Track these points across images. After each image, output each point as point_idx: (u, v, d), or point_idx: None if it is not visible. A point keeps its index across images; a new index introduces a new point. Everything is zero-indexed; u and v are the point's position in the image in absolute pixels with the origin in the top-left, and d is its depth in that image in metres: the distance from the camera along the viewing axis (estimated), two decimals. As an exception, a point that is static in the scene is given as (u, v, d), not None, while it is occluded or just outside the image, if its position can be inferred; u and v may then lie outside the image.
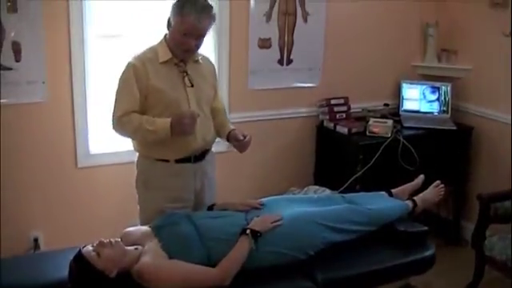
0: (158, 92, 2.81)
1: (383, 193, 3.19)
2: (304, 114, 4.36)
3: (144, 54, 2.87)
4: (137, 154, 3.03)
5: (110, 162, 3.77)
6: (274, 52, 4.14)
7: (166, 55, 2.84)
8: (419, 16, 4.61)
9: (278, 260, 2.57)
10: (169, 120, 2.76)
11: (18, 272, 2.53)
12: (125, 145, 3.75)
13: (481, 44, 4.41)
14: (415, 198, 3.14)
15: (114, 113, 2.85)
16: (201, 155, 2.98)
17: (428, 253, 2.89)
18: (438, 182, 3.24)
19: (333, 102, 4.33)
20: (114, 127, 2.87)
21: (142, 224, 2.91)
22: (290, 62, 4.21)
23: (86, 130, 3.66)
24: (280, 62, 4.18)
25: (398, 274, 2.87)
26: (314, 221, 2.71)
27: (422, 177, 3.29)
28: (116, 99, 2.85)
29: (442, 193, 3.22)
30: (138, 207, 3.03)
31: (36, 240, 3.67)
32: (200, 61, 2.98)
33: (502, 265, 3.57)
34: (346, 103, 4.38)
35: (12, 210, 3.52)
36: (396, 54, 4.60)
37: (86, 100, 3.62)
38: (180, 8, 2.73)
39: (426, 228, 2.98)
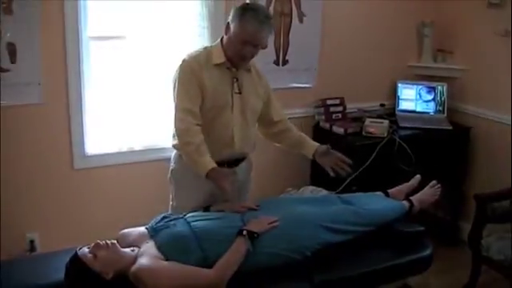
0: (208, 92, 2.83)
1: (380, 193, 3.19)
2: (300, 115, 4.35)
3: (199, 53, 2.90)
4: (175, 151, 3.06)
5: (107, 164, 3.76)
6: (270, 53, 4.13)
7: (220, 58, 2.85)
8: (415, 16, 4.61)
9: (274, 261, 2.56)
10: (210, 166, 2.75)
11: (14, 274, 2.52)
12: (121, 146, 3.78)
13: (477, 44, 4.42)
14: (412, 198, 3.13)
15: (177, 109, 2.85)
16: (235, 162, 3.01)
17: (425, 253, 2.89)
18: (434, 182, 3.23)
19: (329, 102, 4.34)
20: (176, 123, 2.87)
21: None
22: (285, 62, 4.21)
23: (82, 132, 3.65)
24: (276, 62, 4.18)
25: (395, 274, 2.87)
26: (311, 222, 2.70)
27: (418, 177, 3.29)
28: (177, 96, 2.85)
29: (439, 193, 3.21)
30: (170, 203, 3.11)
31: (32, 242, 3.66)
32: (252, 70, 2.99)
33: (499, 265, 3.58)
34: (342, 103, 4.39)
35: (8, 212, 3.51)
36: (392, 54, 4.61)
37: (82, 101, 3.62)
38: (241, 15, 2.75)
39: (422, 228, 2.97)
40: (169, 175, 3.12)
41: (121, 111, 3.76)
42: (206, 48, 2.95)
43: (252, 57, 2.89)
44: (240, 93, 2.92)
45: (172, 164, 3.10)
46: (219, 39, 2.93)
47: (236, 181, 2.98)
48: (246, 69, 2.96)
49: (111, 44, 3.68)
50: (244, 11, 2.76)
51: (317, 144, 3.17)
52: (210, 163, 2.77)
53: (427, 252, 2.89)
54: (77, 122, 3.63)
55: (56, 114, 3.58)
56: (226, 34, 2.86)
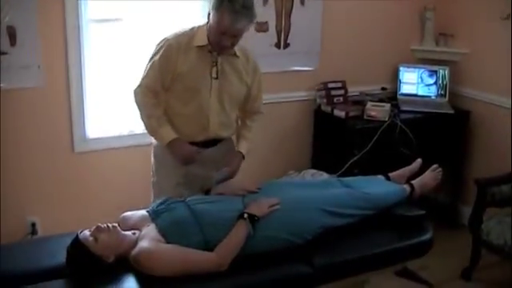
0: (182, 75, 2.84)
1: (381, 177, 3.18)
2: (301, 98, 4.35)
3: (183, 34, 2.89)
4: None
5: (108, 147, 3.76)
6: (271, 36, 4.12)
7: (202, 41, 2.84)
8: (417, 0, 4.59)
9: (275, 245, 2.56)
10: (173, 136, 2.90)
11: (16, 257, 2.53)
12: (122, 129, 3.77)
13: (478, 27, 4.40)
14: (413, 182, 3.13)
15: (141, 81, 2.92)
16: (212, 142, 3.01)
17: (425, 237, 2.89)
18: (435, 165, 3.22)
19: (330, 85, 4.32)
20: (134, 95, 2.96)
21: (154, 196, 3.04)
22: (287, 45, 4.19)
23: (83, 115, 3.65)
24: (277, 45, 4.16)
25: (395, 257, 2.87)
26: (313, 205, 2.70)
27: (419, 161, 3.28)
28: (145, 71, 2.92)
29: (440, 177, 3.20)
30: (151, 179, 3.16)
31: (34, 225, 3.67)
32: (238, 54, 2.94)
33: (498, 248, 3.58)
34: (344, 87, 4.37)
35: (9, 196, 3.51)
36: (394, 37, 4.58)
37: (82, 84, 3.60)
38: (218, 6, 2.70)
39: (423, 212, 2.97)
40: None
41: (121, 94, 3.75)
42: (192, 29, 2.91)
43: (233, 45, 2.84)
44: (217, 78, 2.89)
45: (154, 140, 3.11)
46: (206, 21, 2.86)
47: (197, 154, 2.97)
48: (230, 53, 2.91)
49: (112, 26, 3.66)
50: (221, 1, 2.69)
51: (239, 149, 3.12)
52: (170, 134, 2.90)
53: (427, 236, 2.89)
54: (77, 106, 3.62)
55: (56, 97, 3.57)
56: (208, 21, 2.82)
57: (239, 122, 3.20)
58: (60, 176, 3.69)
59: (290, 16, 4.14)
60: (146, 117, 2.95)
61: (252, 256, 2.49)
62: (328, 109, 4.26)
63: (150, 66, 2.89)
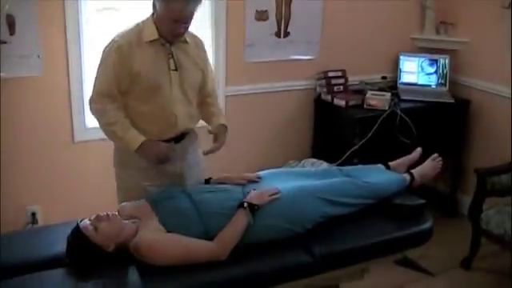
0: (140, 74, 2.70)
1: (380, 166, 3.18)
2: (301, 87, 4.34)
3: (130, 32, 2.73)
4: None
5: (107, 136, 3.75)
6: (271, 24, 4.10)
7: (152, 35, 2.70)
8: (418, -12, 4.57)
9: (275, 234, 2.56)
10: (141, 139, 2.73)
11: (16, 246, 2.53)
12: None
13: (479, 16, 4.38)
14: (413, 171, 3.13)
15: (95, 89, 2.77)
16: (180, 136, 2.92)
17: (425, 226, 2.89)
18: (435, 155, 3.22)
19: (330, 74, 4.31)
20: (90, 104, 2.80)
21: (119, 202, 2.86)
22: (287, 34, 4.18)
23: (83, 104, 3.64)
24: (277, 34, 4.15)
25: (394, 246, 2.87)
26: (313, 194, 2.70)
27: (419, 150, 3.28)
28: (97, 76, 2.76)
29: (440, 166, 3.20)
30: (116, 183, 2.99)
31: (34, 214, 3.67)
32: (188, 40, 2.83)
33: (498, 238, 3.59)
34: (344, 76, 4.36)
35: (9, 185, 3.52)
36: (394, 26, 4.57)
37: (81, 73, 3.60)
38: None
39: (423, 201, 2.96)
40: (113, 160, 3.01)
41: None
42: (137, 25, 2.76)
43: (186, 30, 2.73)
44: (176, 69, 2.77)
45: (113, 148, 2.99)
46: (150, 15, 2.75)
47: (172, 150, 2.84)
48: (181, 41, 2.79)
49: (112, 15, 3.65)
50: None
51: (219, 122, 2.99)
52: (138, 138, 2.73)
53: (427, 225, 2.89)
54: (77, 95, 3.62)
55: (56, 86, 3.56)
56: (154, 11, 2.71)
57: (202, 110, 3.06)
58: (60, 165, 3.69)
59: (290, 5, 4.12)
60: (109, 124, 2.75)
61: (252, 245, 2.49)
62: (328, 98, 4.25)
63: (103, 71, 2.72)
